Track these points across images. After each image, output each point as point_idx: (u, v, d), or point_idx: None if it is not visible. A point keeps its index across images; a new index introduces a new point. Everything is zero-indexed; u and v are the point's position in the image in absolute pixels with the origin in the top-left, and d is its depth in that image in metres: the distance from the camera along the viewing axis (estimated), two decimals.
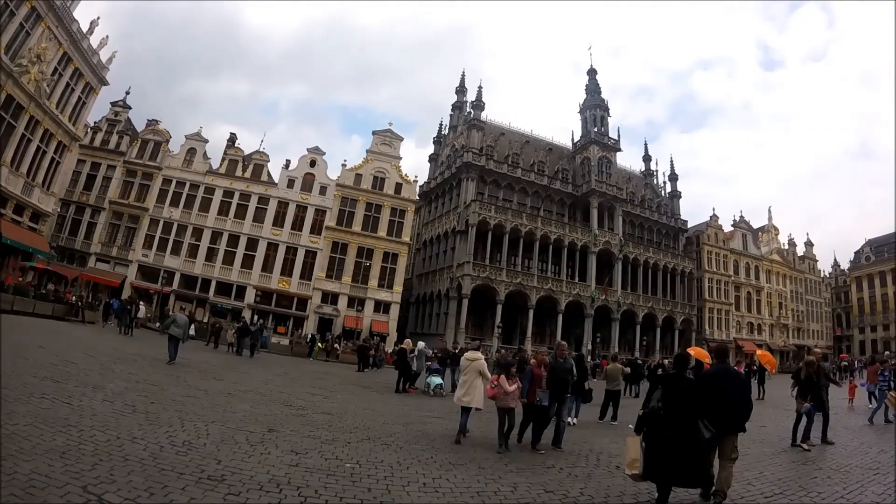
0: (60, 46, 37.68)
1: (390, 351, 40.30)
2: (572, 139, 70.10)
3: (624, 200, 64.58)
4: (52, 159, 40.60)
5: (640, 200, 70.13)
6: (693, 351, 32.11)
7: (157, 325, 32.82)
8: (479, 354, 11.35)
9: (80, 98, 42.05)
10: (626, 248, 61.31)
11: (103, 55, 43.36)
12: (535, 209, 60.69)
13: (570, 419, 13.73)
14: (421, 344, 22.79)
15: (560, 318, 55.61)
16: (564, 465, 9.03)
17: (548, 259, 58.31)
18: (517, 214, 56.94)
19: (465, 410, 10.89)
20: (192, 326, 34.83)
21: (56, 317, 29.86)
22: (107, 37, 43.54)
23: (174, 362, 18.80)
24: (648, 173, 77.66)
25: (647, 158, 78.99)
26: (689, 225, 74.47)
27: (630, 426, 14.00)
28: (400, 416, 13.59)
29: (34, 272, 39.16)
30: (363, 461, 8.07)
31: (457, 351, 22.66)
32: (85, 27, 40.28)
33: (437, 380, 20.35)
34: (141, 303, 37.40)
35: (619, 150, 66.92)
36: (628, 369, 24.79)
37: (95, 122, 52.81)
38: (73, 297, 34.46)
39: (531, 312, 54.23)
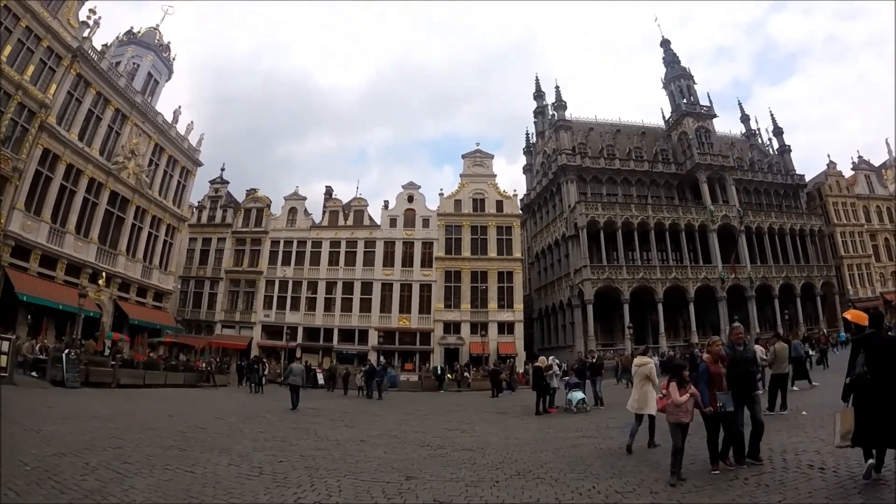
0: (151, 139, 40.54)
1: (521, 371, 39.60)
2: (663, 117, 66.15)
3: (732, 168, 59.95)
4: (165, 241, 43.54)
5: (749, 164, 64.23)
6: (850, 315, 29.62)
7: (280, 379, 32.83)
8: (646, 359, 11.34)
9: (179, 182, 45.15)
10: (746, 218, 56.38)
11: (192, 139, 46.39)
12: (641, 198, 57.76)
13: None
14: (552, 358, 21.31)
15: (691, 306, 52.04)
16: (749, 475, 7.45)
17: (666, 247, 54.85)
18: (625, 207, 54.39)
19: (639, 417, 10.56)
20: (321, 375, 37.59)
21: (188, 385, 30.89)
22: (192, 122, 46.60)
23: (297, 409, 20.17)
24: (750, 134, 71.54)
25: (745, 119, 72.93)
26: (806, 180, 67.48)
27: (804, 412, 12.61)
28: (546, 441, 12.10)
29: (164, 346, 40.99)
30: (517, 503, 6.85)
31: (594, 360, 21.42)
32: (169, 117, 43.04)
33: (578, 395, 18.52)
34: (264, 360, 38.22)
35: (715, 115, 62.52)
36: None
37: (199, 202, 56.19)
38: (203, 364, 35.63)
39: (660, 306, 51.11)
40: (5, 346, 19.96)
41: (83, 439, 10.58)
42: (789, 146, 68.53)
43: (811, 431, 10.26)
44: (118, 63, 38.62)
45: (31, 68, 30.06)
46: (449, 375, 38.26)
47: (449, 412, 20.63)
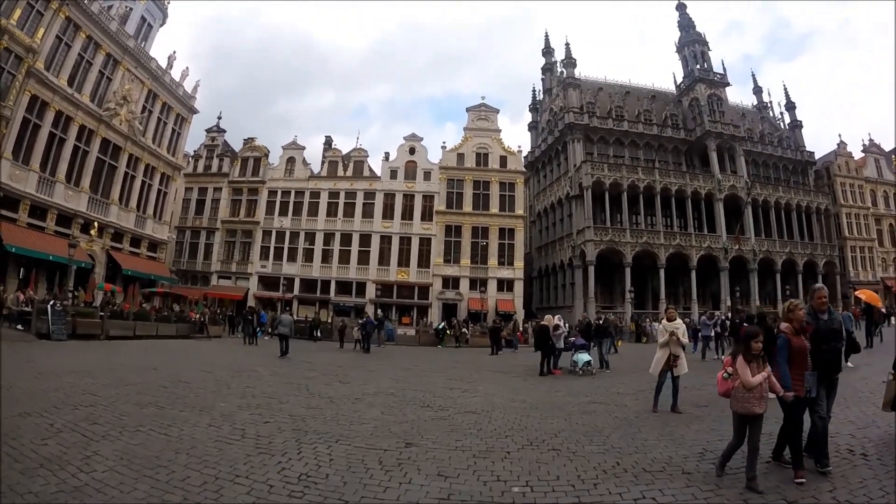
0: (144, 85, 39.56)
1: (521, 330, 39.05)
2: (675, 82, 64.66)
3: (743, 139, 58.67)
4: (159, 190, 42.88)
5: (759, 137, 62.99)
6: (864, 294, 29.13)
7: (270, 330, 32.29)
8: (679, 321, 10.88)
9: (174, 130, 44.26)
10: (753, 190, 54.91)
11: (188, 85, 45.27)
12: (649, 161, 56.43)
13: None
14: (558, 317, 20.35)
15: (693, 274, 51.16)
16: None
17: (672, 213, 53.49)
18: (632, 169, 53.07)
19: (665, 376, 10.31)
20: (319, 329, 37.03)
21: (180, 336, 30.28)
22: (187, 68, 45.35)
23: (289, 358, 21.07)
24: (762, 106, 69.81)
25: (757, 90, 71.16)
26: (816, 157, 66.11)
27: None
28: (555, 405, 11.16)
29: (159, 297, 40.78)
30: (533, 480, 5.97)
31: (601, 322, 20.32)
32: (164, 63, 42.00)
33: (584, 356, 17.57)
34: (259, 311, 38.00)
35: (728, 84, 60.86)
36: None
37: (195, 150, 55.20)
38: (197, 315, 34.92)
39: (662, 272, 50.24)
40: None
41: (54, 397, 9.83)
42: (801, 122, 67.02)
43: (838, 412, 9.42)
44: (110, 7, 36.86)
45: (17, 12, 28.83)
46: (448, 332, 37.15)
47: (449, 369, 19.71)
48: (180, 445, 7.01)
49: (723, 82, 60.56)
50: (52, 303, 22.78)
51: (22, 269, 30.66)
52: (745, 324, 13.01)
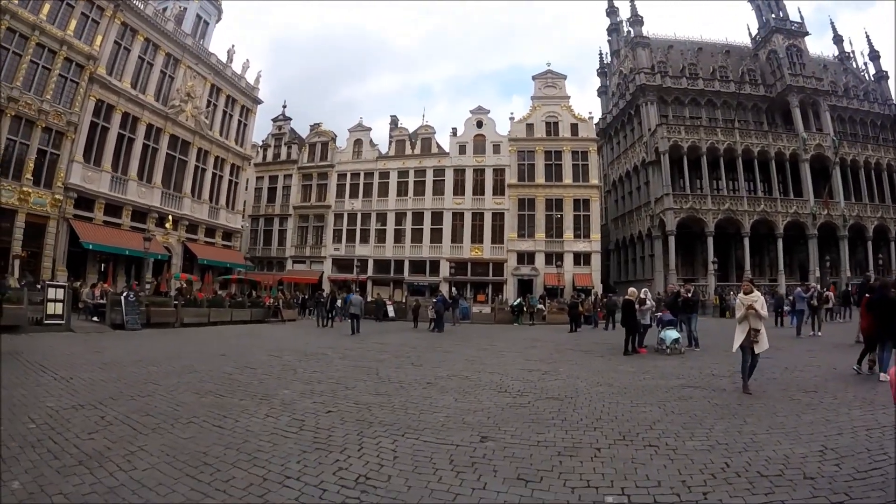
0: (206, 80, 40.65)
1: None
2: (749, 34, 60.07)
3: (827, 93, 53.74)
4: (230, 181, 44.10)
5: (844, 90, 57.57)
6: None
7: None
8: (757, 294, 9.82)
9: (239, 121, 45.35)
10: (841, 149, 50.49)
11: (250, 77, 46.39)
12: (727, 122, 53.04)
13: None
14: (644, 291, 18.81)
15: (779, 243, 47.88)
16: None
17: (755, 177, 50.38)
18: (710, 131, 50.15)
19: (745, 351, 9.42)
20: (392, 308, 37.14)
21: (255, 321, 30.47)
22: (248, 60, 47.31)
23: (360, 336, 22.66)
24: (844, 56, 63.33)
25: (837, 40, 64.37)
26: None
27: None
28: (646, 390, 9.91)
29: (235, 284, 41.77)
30: (630, 487, 4.94)
31: (689, 294, 18.34)
32: (224, 58, 43.15)
33: (672, 333, 15.99)
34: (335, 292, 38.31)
35: (807, 33, 55.75)
36: None
37: (263, 140, 56.77)
38: (271, 299, 35.22)
39: (746, 241, 47.12)
40: (60, 293, 19.84)
41: (113, 387, 9.41)
42: (886, 72, 61.05)
43: None
44: (165, 9, 38.18)
45: (73, 23, 30.84)
46: (525, 308, 35.74)
47: (526, 349, 18.52)
48: (232, 439, 6.36)
49: (801, 31, 55.78)
50: (125, 294, 23.06)
51: (102, 265, 32.59)
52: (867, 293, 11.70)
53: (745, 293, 10.02)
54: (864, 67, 63.06)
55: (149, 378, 10.41)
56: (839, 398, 8.66)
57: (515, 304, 36.04)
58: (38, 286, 22.70)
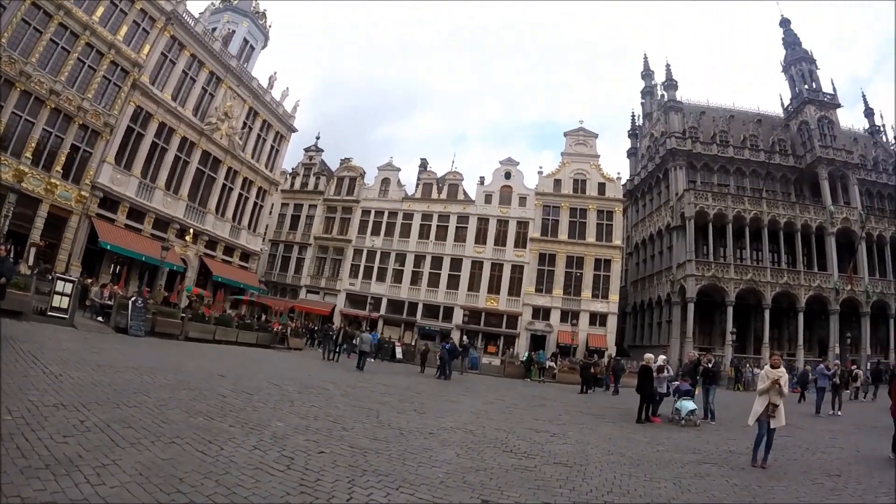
0: (245, 103, 41.29)
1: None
2: (782, 104, 60.08)
3: (856, 166, 52.98)
4: (255, 203, 44.43)
5: (873, 164, 56.83)
6: None
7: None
8: (782, 370, 9.77)
9: (272, 146, 45.92)
10: (868, 223, 49.36)
11: (288, 105, 46.96)
12: (755, 191, 52.41)
13: None
14: (662, 358, 18.16)
15: (800, 317, 46.64)
16: None
17: (779, 248, 49.52)
18: (737, 199, 49.62)
19: (761, 426, 9.33)
20: (400, 350, 36.99)
21: (260, 345, 30.15)
22: (287, 89, 47.26)
23: (363, 370, 23.87)
24: (874, 130, 62.84)
25: (868, 113, 64.03)
26: None
27: None
28: (660, 464, 9.28)
29: (246, 305, 41.88)
30: None
31: (710, 365, 17.52)
32: (265, 83, 43.79)
33: (689, 404, 15.30)
34: (344, 327, 37.12)
35: (839, 105, 55.27)
36: None
37: (293, 168, 57.36)
38: (280, 326, 34.89)
39: (766, 313, 46.16)
40: (68, 287, 19.67)
41: (102, 392, 9.05)
42: None
43: None
44: (214, 29, 39.21)
45: (123, 29, 31.47)
46: (539, 363, 34.50)
47: (535, 406, 17.98)
48: (213, 468, 5.91)
49: (833, 103, 55.45)
50: (133, 299, 22.78)
51: (117, 267, 33.01)
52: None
53: (773, 367, 9.79)
54: (894, 142, 62.10)
55: (141, 388, 10.06)
56: (864, 484, 8.13)
57: (525, 358, 35.32)
58: (49, 277, 22.92)
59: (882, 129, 63.45)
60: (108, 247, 30.73)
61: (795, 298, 47.17)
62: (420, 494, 6.03)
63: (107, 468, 5.25)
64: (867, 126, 63.48)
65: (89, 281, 28.01)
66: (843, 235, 49.39)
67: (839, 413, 19.49)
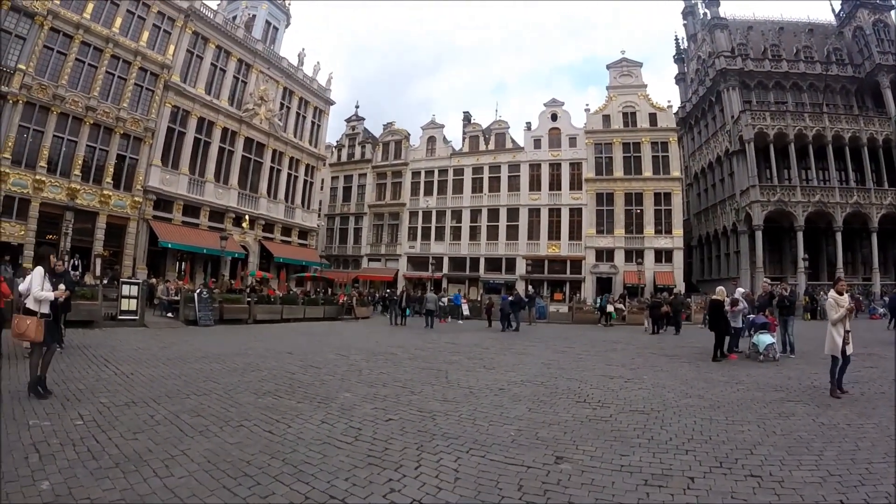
0: (278, 84, 41.73)
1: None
2: (833, 10, 56.22)
3: None
4: (305, 181, 45.13)
5: None
6: None
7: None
8: (847, 296, 9.54)
9: (313, 122, 46.26)
10: None
11: (321, 78, 47.15)
12: (815, 106, 49.16)
13: None
14: (741, 291, 17.30)
15: (874, 238, 44.12)
16: None
17: (846, 166, 46.68)
18: (797, 117, 46.88)
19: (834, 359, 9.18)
20: (467, 306, 37.24)
21: (328, 318, 30.69)
22: (318, 62, 48.05)
23: (431, 328, 25.73)
24: None
25: None
26: None
27: None
28: (741, 405, 8.75)
29: (310, 281, 42.22)
30: None
31: (787, 293, 16.45)
32: (295, 61, 44.15)
33: (767, 338, 14.45)
34: (408, 290, 37.77)
35: (894, 6, 51.39)
36: None
37: (337, 141, 58.08)
38: (345, 297, 35.43)
39: (838, 236, 43.94)
40: (134, 290, 20.25)
41: (172, 384, 9.17)
42: None
43: None
44: (234, 17, 39.49)
45: (145, 34, 32.26)
46: (618, 306, 34.11)
47: (607, 352, 17.50)
48: (280, 447, 5.84)
49: (888, 5, 51.67)
50: (198, 291, 23.49)
51: (183, 263, 34.15)
52: None
53: (839, 293, 9.47)
54: None
55: (210, 375, 10.18)
56: None
57: (599, 304, 34.40)
58: (115, 283, 23.48)
59: None
60: (169, 245, 31.96)
61: (867, 218, 44.67)
62: (491, 455, 5.83)
63: (175, 459, 5.26)
64: None
65: (154, 280, 28.92)
66: None
67: None
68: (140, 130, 31.72)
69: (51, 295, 7.72)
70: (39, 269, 7.76)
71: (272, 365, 12.00)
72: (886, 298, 31.20)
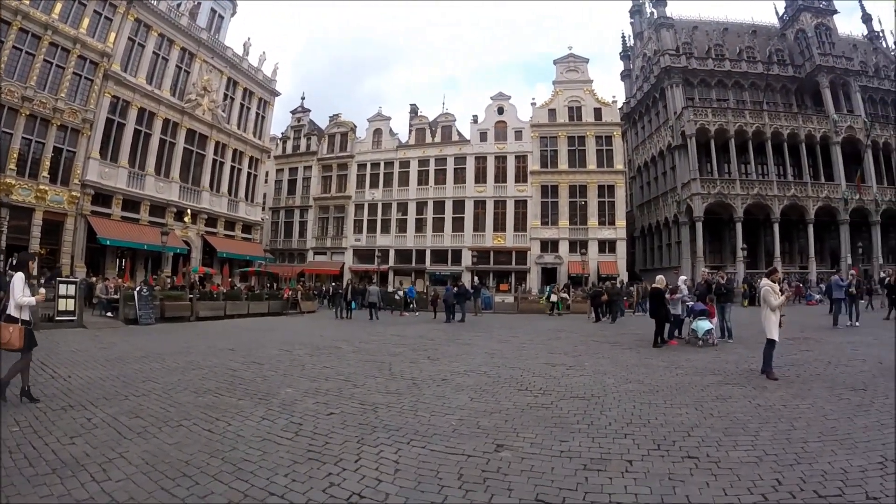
0: (222, 74, 40.84)
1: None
2: (776, 13, 58.77)
3: (857, 73, 51.84)
4: (249, 174, 44.36)
5: (874, 71, 55.33)
6: None
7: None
8: (765, 280, 10.37)
9: (257, 114, 45.43)
10: (872, 131, 48.67)
11: (267, 69, 46.41)
12: (755, 104, 51.20)
13: None
14: (683, 279, 17.80)
15: (810, 229, 46.82)
16: None
17: (784, 161, 48.68)
18: (738, 114, 48.85)
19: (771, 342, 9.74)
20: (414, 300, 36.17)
21: (272, 313, 30.29)
22: (264, 53, 46.44)
23: (377, 320, 26.21)
24: (873, 36, 60.77)
25: (866, 18, 61.42)
26: None
27: None
28: (681, 389, 9.05)
29: (255, 276, 42.06)
30: None
31: (724, 281, 17.27)
32: (240, 51, 43.18)
33: (706, 324, 14.86)
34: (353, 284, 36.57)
35: (836, 11, 54.35)
36: None
37: (282, 133, 57.05)
38: (290, 292, 34.87)
39: (776, 227, 46.22)
40: (71, 289, 19.63)
41: (110, 386, 8.97)
42: None
43: None
44: (178, 4, 38.26)
45: (85, 21, 31.05)
46: (562, 295, 34.02)
47: (550, 340, 17.71)
48: (220, 446, 5.80)
49: (830, 9, 54.40)
50: (138, 288, 22.88)
51: (123, 260, 33.28)
52: None
53: (774, 282, 10.17)
54: (894, 47, 60.32)
55: (149, 375, 9.97)
56: (892, 398, 7.85)
57: (547, 294, 34.77)
58: (52, 282, 22.65)
59: (881, 34, 61.57)
60: (108, 242, 31.04)
61: (804, 210, 47.11)
62: (432, 445, 5.91)
63: (113, 462, 5.17)
64: (866, 32, 61.56)
65: (94, 279, 28.08)
66: (848, 144, 48.92)
67: (857, 324, 18.98)
68: (78, 122, 30.60)
69: (33, 300, 7.72)
70: (20, 275, 7.70)
71: (213, 362, 11.85)
72: (823, 286, 32.49)
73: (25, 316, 7.60)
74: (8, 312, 7.53)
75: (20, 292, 7.51)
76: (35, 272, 26.08)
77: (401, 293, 35.68)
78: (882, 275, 30.46)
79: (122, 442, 5.85)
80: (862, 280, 25.75)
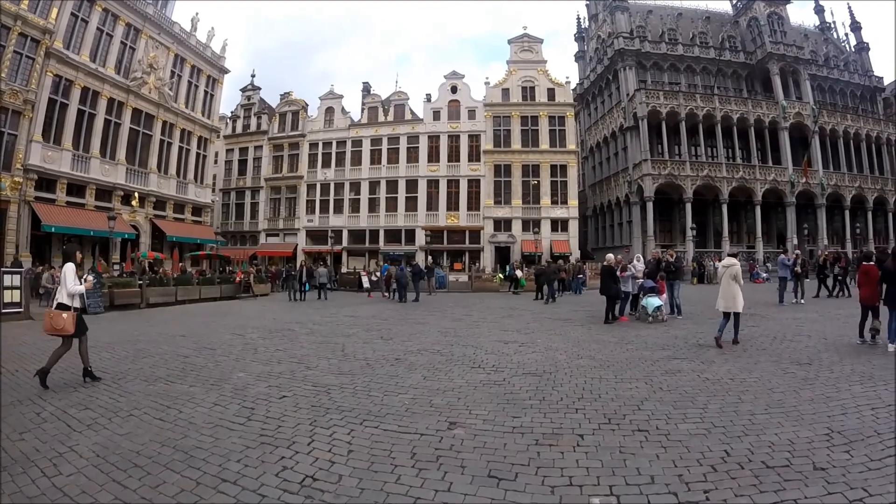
0: (169, 50, 39.43)
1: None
2: (730, 1, 60.41)
3: (807, 61, 53.78)
4: (198, 154, 43.11)
5: (824, 60, 57.69)
6: None
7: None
8: (733, 260, 11.43)
9: (206, 92, 44.13)
10: (820, 118, 50.10)
11: (215, 46, 44.96)
12: (707, 88, 52.51)
13: None
14: (637, 256, 18.21)
15: (758, 210, 48.29)
16: None
17: (734, 144, 50.43)
18: (689, 97, 49.89)
19: (726, 315, 10.94)
20: (367, 279, 36.46)
21: (225, 297, 29.85)
22: (212, 28, 45.85)
23: (326, 300, 27.25)
24: (825, 27, 63.57)
25: (819, 10, 64.09)
26: (885, 83, 60.20)
27: None
28: (631, 363, 9.29)
29: (206, 260, 40.71)
30: (619, 484, 4.32)
31: (673, 259, 17.55)
32: (188, 26, 41.71)
33: (655, 301, 15.30)
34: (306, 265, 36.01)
35: (789, 1, 55.99)
36: None
37: (232, 112, 55.53)
38: (243, 275, 34.10)
39: (724, 208, 47.61)
40: (16, 279, 18.87)
41: (58, 378, 8.65)
42: (867, 44, 61.56)
43: None
44: None
45: None
46: (518, 272, 34.30)
47: (503, 318, 18.00)
48: (171, 434, 5.74)
49: None
50: (85, 276, 22.05)
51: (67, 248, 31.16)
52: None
53: (728, 256, 11.46)
54: (844, 38, 63.17)
55: (98, 365, 9.62)
56: (836, 372, 8.19)
57: (507, 273, 35.58)
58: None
59: (832, 25, 64.10)
60: (53, 229, 29.87)
61: (752, 192, 48.52)
62: (385, 425, 5.97)
63: (63, 456, 5.10)
64: (818, 23, 64.05)
65: (40, 268, 27.29)
66: (796, 130, 50.67)
67: (802, 301, 19.74)
68: (19, 103, 29.17)
69: (82, 288, 8.28)
70: (71, 265, 8.31)
71: (164, 350, 11.68)
72: (769, 265, 33.37)
73: (77, 304, 8.17)
74: (60, 301, 8.06)
75: (72, 282, 8.09)
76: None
77: (377, 275, 35.01)
78: (817, 254, 31.72)
79: (73, 435, 5.75)
80: (807, 260, 26.55)
